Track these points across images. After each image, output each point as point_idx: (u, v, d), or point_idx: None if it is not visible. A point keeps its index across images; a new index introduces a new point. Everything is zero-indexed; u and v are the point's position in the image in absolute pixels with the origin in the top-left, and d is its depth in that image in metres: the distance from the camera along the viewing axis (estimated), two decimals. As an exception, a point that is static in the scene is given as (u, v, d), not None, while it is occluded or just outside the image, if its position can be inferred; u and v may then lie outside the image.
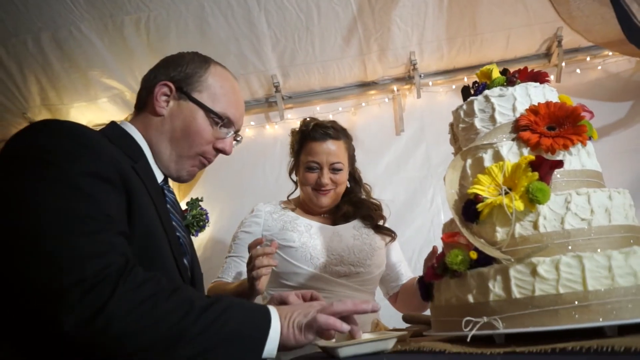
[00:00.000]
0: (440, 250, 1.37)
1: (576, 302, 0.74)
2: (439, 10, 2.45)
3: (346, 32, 2.57)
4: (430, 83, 2.82)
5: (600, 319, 0.73)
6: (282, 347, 0.89)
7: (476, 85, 1.07)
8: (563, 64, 2.61)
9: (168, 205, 1.15)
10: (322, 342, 0.94)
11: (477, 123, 0.99)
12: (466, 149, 0.98)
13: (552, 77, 2.68)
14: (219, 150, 1.18)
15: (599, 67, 2.67)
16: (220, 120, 1.15)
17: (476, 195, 0.88)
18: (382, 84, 2.89)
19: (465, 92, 1.09)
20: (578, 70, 2.68)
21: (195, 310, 0.82)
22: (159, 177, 1.16)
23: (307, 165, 1.78)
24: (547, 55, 2.71)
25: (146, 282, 0.82)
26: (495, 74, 1.05)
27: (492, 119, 0.98)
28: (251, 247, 1.41)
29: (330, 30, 2.56)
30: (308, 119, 1.87)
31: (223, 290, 1.59)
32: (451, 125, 1.12)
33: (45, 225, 0.80)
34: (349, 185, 1.89)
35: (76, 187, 0.85)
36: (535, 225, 0.84)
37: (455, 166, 0.97)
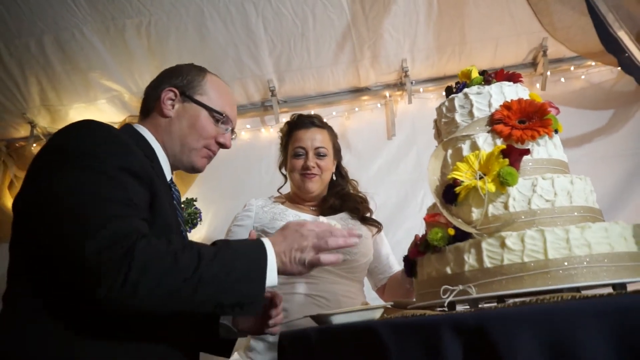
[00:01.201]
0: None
1: (538, 270, 0.83)
2: (430, 19, 2.56)
3: (340, 39, 2.67)
4: (421, 89, 2.93)
5: (559, 284, 0.83)
6: (285, 274, 1.04)
7: (458, 84, 1.17)
8: (548, 73, 2.73)
9: (174, 202, 1.29)
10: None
11: (457, 117, 1.10)
12: (447, 139, 1.08)
13: (537, 86, 2.80)
14: (220, 144, 1.34)
15: (583, 77, 2.79)
16: (220, 116, 1.31)
17: (455, 179, 0.98)
18: (374, 90, 2.99)
19: (449, 91, 1.18)
20: (562, 79, 2.79)
21: (207, 259, 0.95)
22: (168, 176, 1.30)
23: (294, 152, 1.89)
24: (533, 64, 2.82)
25: (161, 243, 0.95)
26: (474, 74, 1.15)
27: (471, 114, 1.09)
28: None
29: (325, 37, 2.66)
30: (295, 114, 1.99)
31: None
32: (435, 121, 1.21)
33: (83, 208, 0.94)
34: (334, 178, 1.97)
35: (111, 178, 1.00)
36: (506, 206, 0.94)
37: (437, 156, 1.07)
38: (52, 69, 2.77)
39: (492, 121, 1.03)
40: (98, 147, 1.02)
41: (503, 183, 0.92)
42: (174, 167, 1.34)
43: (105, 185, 0.98)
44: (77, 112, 3.08)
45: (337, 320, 0.93)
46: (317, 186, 1.88)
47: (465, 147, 1.03)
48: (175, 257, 0.93)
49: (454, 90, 1.17)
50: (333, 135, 1.98)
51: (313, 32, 2.62)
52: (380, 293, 1.97)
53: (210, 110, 1.29)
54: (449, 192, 0.99)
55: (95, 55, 2.70)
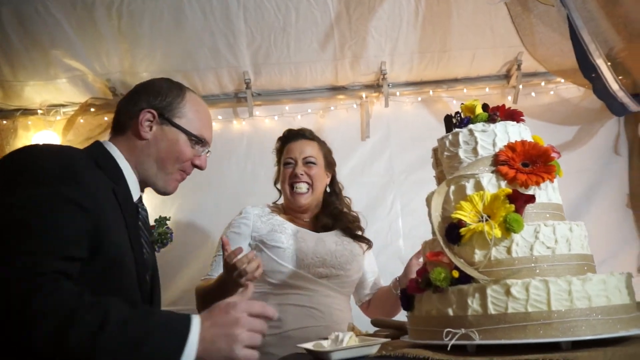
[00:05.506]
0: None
1: (541, 320, 0.86)
2: (413, 25, 2.56)
3: (322, 37, 2.62)
4: (397, 93, 2.94)
5: (560, 335, 0.86)
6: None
7: (458, 115, 1.17)
8: (520, 86, 2.80)
9: (140, 223, 1.28)
10: (310, 346, 1.01)
11: (461, 153, 1.11)
12: (451, 177, 1.08)
13: (509, 98, 2.87)
14: (196, 166, 1.35)
15: (552, 92, 2.89)
16: (199, 141, 1.31)
17: (459, 220, 0.99)
18: (351, 90, 2.98)
19: (448, 121, 1.19)
20: (533, 94, 2.88)
21: (112, 326, 0.86)
22: (135, 196, 1.27)
23: (284, 162, 1.97)
24: (507, 76, 2.89)
25: (70, 293, 0.89)
26: (478, 110, 1.16)
27: (475, 151, 1.10)
28: (230, 257, 1.47)
29: (307, 34, 2.61)
30: (286, 129, 2.08)
31: (206, 288, 1.70)
32: (434, 150, 1.22)
33: (7, 233, 0.91)
34: (328, 190, 2.00)
35: (50, 209, 0.95)
36: (509, 251, 0.97)
37: (440, 192, 1.07)
38: (9, 43, 2.58)
39: (497, 162, 1.05)
40: (47, 174, 0.99)
41: (509, 229, 0.94)
42: (144, 186, 1.32)
43: (39, 216, 0.94)
44: (33, 90, 2.90)
45: (337, 356, 0.93)
46: (306, 202, 1.91)
47: (469, 186, 1.04)
48: (75, 314, 0.85)
49: (454, 121, 1.17)
50: (323, 146, 2.03)
51: (295, 27, 2.56)
52: (364, 308, 2.03)
53: (189, 134, 1.28)
54: (452, 232, 1.00)
55: (59, 32, 2.54)
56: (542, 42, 2.08)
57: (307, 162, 1.93)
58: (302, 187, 1.89)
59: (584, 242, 1.03)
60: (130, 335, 0.86)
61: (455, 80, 2.91)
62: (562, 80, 2.81)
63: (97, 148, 1.25)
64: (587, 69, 1.89)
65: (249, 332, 0.93)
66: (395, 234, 2.87)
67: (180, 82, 1.40)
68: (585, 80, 2.06)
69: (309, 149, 1.96)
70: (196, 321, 0.91)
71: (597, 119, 2.86)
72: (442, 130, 3.17)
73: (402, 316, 1.82)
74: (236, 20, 2.52)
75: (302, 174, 1.89)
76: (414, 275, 1.62)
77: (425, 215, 3.08)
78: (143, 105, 1.27)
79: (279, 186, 2.04)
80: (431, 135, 2.90)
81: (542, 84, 2.88)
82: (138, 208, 1.28)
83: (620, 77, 2.25)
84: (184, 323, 0.91)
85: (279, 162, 2.04)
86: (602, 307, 0.90)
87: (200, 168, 1.35)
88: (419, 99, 2.96)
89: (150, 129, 1.26)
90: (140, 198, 1.31)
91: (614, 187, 2.85)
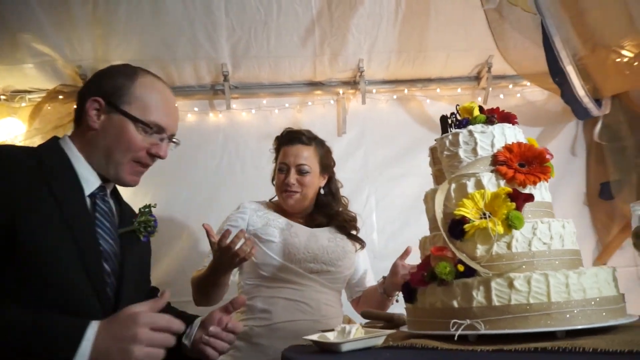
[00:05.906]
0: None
1: (542, 311, 0.94)
2: (392, 24, 2.61)
3: (303, 32, 2.64)
4: (374, 90, 2.99)
5: (559, 325, 0.93)
6: None
7: (454, 117, 1.23)
8: (490, 88, 2.92)
9: (97, 214, 1.21)
10: (317, 338, 1.04)
11: (461, 153, 1.17)
12: (453, 176, 1.14)
13: (479, 99, 2.99)
14: (153, 156, 1.26)
15: (518, 95, 3.03)
16: (150, 129, 1.23)
17: (463, 216, 1.05)
18: (328, 86, 3.01)
19: (444, 122, 1.24)
20: (501, 96, 3.01)
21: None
22: (92, 187, 1.21)
23: (278, 167, 1.98)
24: (477, 78, 3.01)
25: None
26: (476, 112, 1.23)
27: (474, 151, 1.17)
28: (222, 239, 1.50)
29: (288, 29, 2.61)
30: (285, 129, 2.05)
31: (199, 277, 1.72)
32: (432, 149, 1.27)
33: None
34: (322, 193, 2.01)
35: None
36: (509, 246, 1.04)
37: (443, 189, 1.13)
38: (-29, 24, 2.44)
39: (496, 162, 1.11)
40: None
41: (510, 226, 1.01)
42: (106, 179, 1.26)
43: None
44: (-4, 74, 2.75)
45: (346, 347, 0.96)
46: (297, 204, 1.93)
47: (470, 184, 1.11)
48: None
49: (450, 122, 1.23)
50: (320, 150, 2.00)
51: (276, 21, 2.57)
52: (354, 304, 2.08)
53: (137, 122, 1.20)
54: (456, 228, 1.05)
55: (28, 14, 2.43)
56: (515, 47, 2.19)
57: (300, 171, 1.91)
58: (293, 194, 1.92)
59: (573, 238, 1.12)
60: (14, 344, 0.85)
61: (429, 80, 3.00)
62: (528, 84, 2.95)
63: (47, 144, 1.21)
64: (556, 74, 2.00)
65: (147, 347, 0.90)
66: (370, 228, 2.94)
67: (145, 69, 1.31)
68: (553, 84, 2.18)
69: (305, 155, 1.93)
70: (92, 331, 0.90)
71: (558, 121, 3.02)
72: (415, 128, 3.23)
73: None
74: (217, 11, 2.50)
75: (293, 183, 1.89)
76: (399, 275, 1.71)
77: (399, 211, 3.13)
78: (92, 93, 1.21)
79: (274, 183, 2.06)
80: (405, 133, 3.03)
81: (510, 86, 3.01)
82: (95, 199, 1.21)
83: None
84: (77, 332, 0.89)
85: (276, 159, 2.04)
86: (595, 299, 0.99)
87: (159, 157, 1.26)
88: (394, 97, 3.03)
89: (99, 118, 1.20)
90: (103, 188, 1.25)
91: (573, 186, 3.02)
